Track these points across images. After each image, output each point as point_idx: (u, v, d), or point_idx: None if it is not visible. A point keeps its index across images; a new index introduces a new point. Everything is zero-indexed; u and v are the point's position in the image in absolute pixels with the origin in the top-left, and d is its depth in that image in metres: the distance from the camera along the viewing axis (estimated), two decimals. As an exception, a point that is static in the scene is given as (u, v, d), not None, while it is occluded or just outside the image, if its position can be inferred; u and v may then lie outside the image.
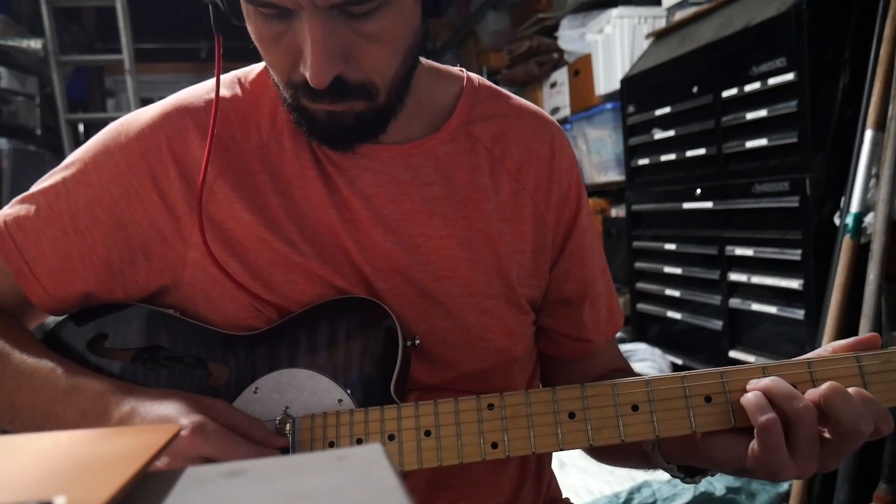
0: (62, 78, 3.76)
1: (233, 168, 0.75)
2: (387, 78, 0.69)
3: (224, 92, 0.78)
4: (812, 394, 0.62)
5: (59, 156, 3.58)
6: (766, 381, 0.63)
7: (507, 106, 0.85)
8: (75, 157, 0.78)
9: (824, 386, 0.61)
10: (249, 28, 0.68)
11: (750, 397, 0.63)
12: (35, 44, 3.66)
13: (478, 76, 0.86)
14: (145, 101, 0.83)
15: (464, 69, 0.86)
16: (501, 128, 0.82)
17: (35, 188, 0.78)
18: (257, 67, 0.81)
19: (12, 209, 0.77)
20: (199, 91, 0.79)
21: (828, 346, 0.67)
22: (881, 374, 0.63)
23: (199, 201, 0.72)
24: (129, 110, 0.82)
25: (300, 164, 0.76)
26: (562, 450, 0.67)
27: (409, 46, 0.70)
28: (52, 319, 0.81)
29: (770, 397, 0.62)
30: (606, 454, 0.85)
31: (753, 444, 0.63)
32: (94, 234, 0.75)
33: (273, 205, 0.75)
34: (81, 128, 4.48)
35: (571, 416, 0.67)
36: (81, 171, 0.76)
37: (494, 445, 0.66)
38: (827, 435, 0.62)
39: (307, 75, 0.64)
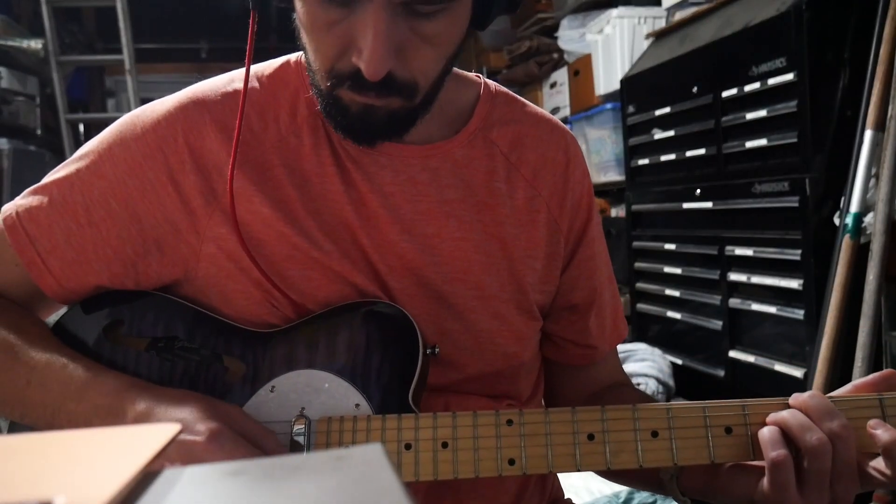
0: (62, 78, 3.75)
1: (250, 161, 0.75)
2: (429, 80, 0.69)
3: (241, 86, 0.77)
4: (881, 437, 0.62)
5: (60, 156, 3.58)
6: (783, 414, 0.63)
7: (524, 113, 0.85)
8: (89, 147, 0.77)
9: (889, 435, 0.61)
10: (301, 9, 0.67)
11: (765, 431, 0.63)
12: (35, 44, 3.66)
13: (494, 82, 0.86)
14: (146, 101, 0.83)
15: (480, 75, 0.87)
16: (518, 134, 0.83)
17: (48, 179, 0.77)
18: (275, 63, 0.80)
19: (24, 200, 0.76)
20: (216, 84, 0.78)
21: (849, 386, 0.68)
22: None
23: (231, 194, 0.71)
24: (129, 110, 0.82)
25: (319, 160, 0.76)
26: (579, 470, 0.66)
27: (454, 52, 0.71)
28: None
29: (786, 430, 0.62)
30: (621, 475, 0.85)
31: (764, 479, 0.63)
32: (109, 226, 0.74)
33: (292, 198, 0.75)
34: (82, 128, 4.47)
35: (590, 437, 0.66)
36: (96, 163, 0.75)
37: (511, 462, 0.66)
38: (874, 471, 0.62)
39: (362, 66, 0.63)
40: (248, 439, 0.65)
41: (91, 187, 0.75)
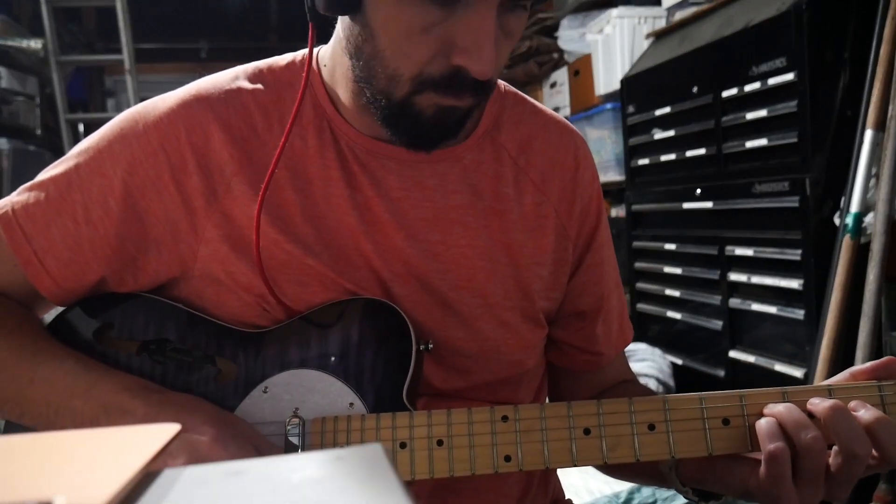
0: (62, 78, 3.76)
1: (253, 164, 0.73)
2: (498, 74, 0.69)
3: (245, 85, 0.76)
4: (817, 407, 0.61)
5: (59, 156, 3.56)
6: (779, 408, 0.62)
7: (533, 114, 0.84)
8: (89, 143, 0.75)
9: (828, 402, 0.61)
10: (392, 13, 0.63)
11: (763, 423, 0.62)
12: (35, 44, 3.66)
13: (503, 82, 0.84)
14: (145, 101, 0.82)
15: None
16: (527, 136, 0.81)
17: (45, 175, 0.75)
18: (281, 60, 0.79)
19: (20, 196, 0.74)
20: (220, 81, 0.77)
21: (846, 373, 0.67)
22: None
23: (262, 196, 0.69)
24: (129, 110, 0.81)
25: (323, 163, 0.74)
26: (575, 465, 0.65)
27: None
28: (56, 308, 0.79)
29: (782, 425, 0.61)
30: (620, 470, 0.84)
31: (761, 469, 0.62)
32: (107, 225, 0.73)
33: (290, 203, 0.73)
34: (81, 128, 4.47)
35: (587, 431, 0.65)
36: (95, 159, 0.74)
37: (507, 458, 0.65)
38: (831, 460, 0.61)
39: (473, 66, 0.62)
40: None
41: (90, 185, 0.73)
